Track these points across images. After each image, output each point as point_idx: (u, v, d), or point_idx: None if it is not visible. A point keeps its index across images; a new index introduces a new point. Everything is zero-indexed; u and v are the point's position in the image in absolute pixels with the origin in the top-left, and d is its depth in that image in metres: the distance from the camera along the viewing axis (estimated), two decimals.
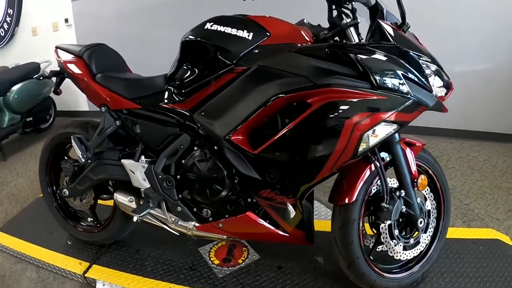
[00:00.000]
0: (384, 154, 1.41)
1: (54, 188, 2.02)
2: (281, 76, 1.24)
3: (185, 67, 1.46)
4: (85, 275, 1.80)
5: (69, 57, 1.75)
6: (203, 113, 1.41)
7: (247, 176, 1.36)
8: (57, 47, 1.83)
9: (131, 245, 1.98)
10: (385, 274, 1.50)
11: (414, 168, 1.41)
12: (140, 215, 1.57)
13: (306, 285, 1.63)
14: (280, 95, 1.24)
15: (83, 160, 1.66)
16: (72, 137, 1.67)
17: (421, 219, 1.46)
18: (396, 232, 1.46)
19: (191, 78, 1.44)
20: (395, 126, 1.23)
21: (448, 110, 1.38)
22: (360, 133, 1.19)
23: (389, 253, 1.48)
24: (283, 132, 1.25)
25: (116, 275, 1.77)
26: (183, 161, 1.50)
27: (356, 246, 1.40)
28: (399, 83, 1.19)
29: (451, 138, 2.95)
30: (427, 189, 1.54)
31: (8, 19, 4.19)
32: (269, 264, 1.77)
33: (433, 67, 1.30)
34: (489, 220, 2.06)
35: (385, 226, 1.43)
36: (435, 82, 1.31)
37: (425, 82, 1.25)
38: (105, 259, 1.89)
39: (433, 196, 1.57)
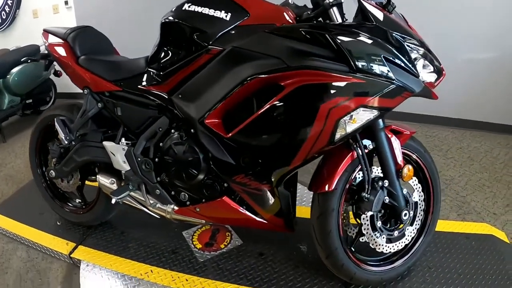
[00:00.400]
0: (367, 142, 1.34)
1: (44, 169, 2.03)
2: (254, 57, 1.19)
3: (165, 49, 1.43)
4: (71, 255, 1.81)
5: (55, 40, 1.74)
6: (180, 96, 1.38)
7: (221, 161, 1.32)
8: (44, 30, 1.83)
9: (117, 227, 1.98)
10: (367, 267, 1.46)
11: (400, 158, 1.35)
12: (119, 197, 1.56)
13: (286, 273, 1.60)
14: (253, 77, 1.19)
15: (66, 142, 1.67)
16: (55, 119, 1.68)
17: (406, 211, 1.41)
18: (378, 223, 1.40)
19: (170, 60, 1.41)
20: (375, 112, 1.17)
21: (438, 97, 1.30)
22: (336, 118, 1.14)
23: (370, 245, 1.43)
24: (255, 116, 1.21)
25: (100, 256, 1.78)
26: (161, 143, 1.48)
27: (335, 236, 1.36)
28: (380, 66, 1.12)
29: (453, 127, 2.85)
30: (415, 180, 1.47)
31: (9, 2, 4.21)
32: (251, 250, 1.75)
33: (421, 50, 1.23)
34: (486, 214, 1.99)
35: (366, 217, 1.38)
36: (423, 67, 1.24)
37: (411, 66, 1.18)
38: (91, 240, 1.90)
39: (421, 188, 1.50)
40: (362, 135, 1.32)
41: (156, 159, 1.50)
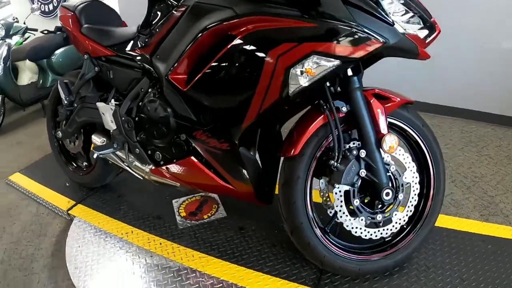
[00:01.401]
0: (341, 104, 1.19)
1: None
2: (210, 10, 1.15)
3: (152, 14, 1.47)
4: (69, 211, 1.91)
5: (65, 12, 1.88)
6: (157, 56, 1.40)
7: (184, 117, 1.28)
8: (61, 6, 1.98)
9: (116, 191, 2.04)
10: (340, 252, 1.30)
11: (383, 126, 1.18)
12: (100, 152, 1.61)
13: (260, 251, 1.51)
14: (207, 29, 1.14)
15: (65, 102, 1.78)
16: (58, 81, 1.82)
17: (388, 190, 1.22)
18: (356, 202, 1.24)
19: (152, 23, 1.45)
20: (334, 61, 1.03)
21: (429, 56, 1.12)
22: (285, 67, 1.02)
23: (345, 226, 1.27)
24: (208, 69, 1.15)
25: (92, 215, 1.85)
26: (140, 103, 1.49)
27: (300, 209, 1.23)
28: (337, 9, 0.99)
29: (494, 124, 2.46)
30: (407, 157, 1.28)
31: None
32: (232, 224, 1.68)
33: (395, 1, 1.05)
34: None
35: (339, 191, 1.23)
36: (409, 19, 1.07)
37: (381, 11, 1.02)
38: (90, 200, 1.98)
39: (415, 167, 1.30)
40: (337, 97, 1.19)
41: (136, 118, 1.52)
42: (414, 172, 1.29)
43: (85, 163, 2.12)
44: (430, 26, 1.10)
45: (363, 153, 1.19)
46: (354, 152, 1.19)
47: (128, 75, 1.57)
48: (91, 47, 1.69)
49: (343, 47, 1.01)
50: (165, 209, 1.82)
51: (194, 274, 1.41)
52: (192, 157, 1.35)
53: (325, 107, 1.17)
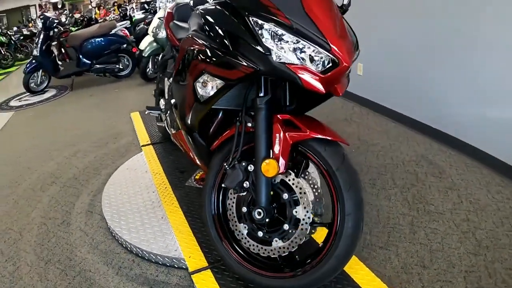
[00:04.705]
0: (249, 119, 1.33)
1: None
2: None
3: None
4: (142, 147, 2.75)
5: (169, 10, 2.49)
6: None
7: None
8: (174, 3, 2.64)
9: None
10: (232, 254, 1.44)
11: (277, 149, 1.25)
12: (150, 111, 2.38)
13: None
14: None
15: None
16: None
17: (260, 210, 1.29)
18: (244, 208, 1.37)
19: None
20: (218, 81, 1.26)
21: (323, 91, 1.12)
22: (192, 78, 1.36)
23: (231, 225, 1.42)
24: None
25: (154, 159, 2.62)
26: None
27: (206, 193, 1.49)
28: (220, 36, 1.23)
29: None
30: (306, 193, 1.27)
31: None
32: None
33: (279, 30, 1.12)
34: None
35: (231, 193, 1.40)
36: (289, 46, 1.12)
37: (255, 41, 1.14)
38: (158, 147, 2.77)
39: (310, 206, 1.28)
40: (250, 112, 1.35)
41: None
42: (308, 211, 1.28)
43: None
44: (332, 60, 1.10)
45: (251, 167, 1.32)
46: (243, 163, 1.33)
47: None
48: (170, 37, 2.28)
49: (222, 70, 1.22)
50: (191, 169, 2.34)
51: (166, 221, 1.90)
52: (182, 131, 1.71)
53: (237, 118, 1.36)
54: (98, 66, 5.20)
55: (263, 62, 1.13)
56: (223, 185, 1.41)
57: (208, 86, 1.29)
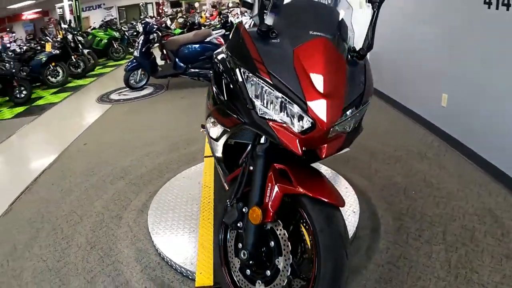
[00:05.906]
0: (251, 163, 1.35)
1: None
2: None
3: None
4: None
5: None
6: None
7: None
8: None
9: None
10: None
11: (269, 198, 1.25)
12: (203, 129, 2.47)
13: None
14: None
15: None
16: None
17: (245, 251, 1.30)
18: (239, 244, 1.39)
19: None
20: (218, 125, 1.37)
21: (300, 153, 1.08)
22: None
23: (228, 257, 1.47)
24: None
25: None
26: None
27: (216, 222, 1.56)
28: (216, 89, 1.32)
29: None
30: (288, 246, 1.24)
31: None
32: None
33: (263, 85, 1.12)
34: None
35: (233, 230, 1.43)
36: (274, 105, 1.12)
37: (241, 97, 1.18)
38: None
39: (290, 260, 1.24)
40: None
41: None
42: (287, 265, 1.25)
43: None
44: (313, 122, 1.06)
45: (245, 209, 1.33)
46: (240, 204, 1.35)
47: None
48: None
49: (220, 117, 1.30)
50: None
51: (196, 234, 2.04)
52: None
53: (244, 160, 1.40)
54: (192, 70, 5.73)
55: (247, 115, 1.17)
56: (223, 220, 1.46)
57: (217, 126, 1.40)
